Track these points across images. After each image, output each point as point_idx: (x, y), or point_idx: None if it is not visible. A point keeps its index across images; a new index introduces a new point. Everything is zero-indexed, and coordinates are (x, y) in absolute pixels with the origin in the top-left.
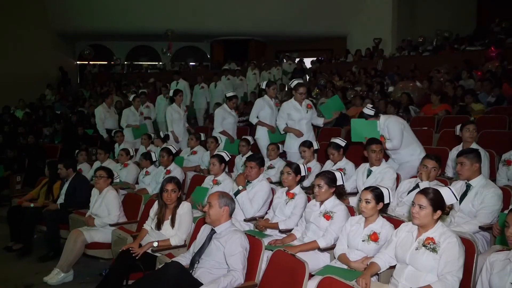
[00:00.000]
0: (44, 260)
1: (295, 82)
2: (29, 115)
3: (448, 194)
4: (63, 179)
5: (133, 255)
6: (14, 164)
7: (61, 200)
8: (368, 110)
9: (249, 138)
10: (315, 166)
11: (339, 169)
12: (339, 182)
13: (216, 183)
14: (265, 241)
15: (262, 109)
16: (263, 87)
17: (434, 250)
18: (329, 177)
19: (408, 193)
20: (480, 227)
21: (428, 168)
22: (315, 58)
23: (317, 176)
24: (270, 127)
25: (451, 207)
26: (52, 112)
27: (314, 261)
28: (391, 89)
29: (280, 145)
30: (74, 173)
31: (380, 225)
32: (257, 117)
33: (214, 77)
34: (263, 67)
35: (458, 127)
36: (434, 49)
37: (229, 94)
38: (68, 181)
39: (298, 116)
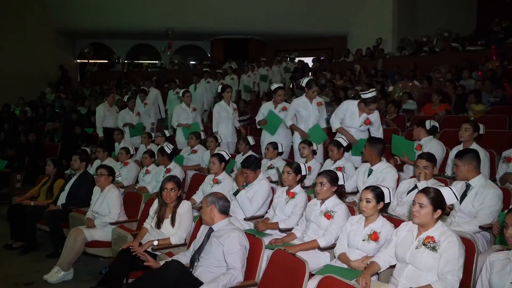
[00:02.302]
0: (52, 257)
1: (368, 95)
2: (25, 113)
3: (448, 194)
4: (68, 176)
5: (133, 253)
6: (14, 162)
7: (62, 200)
8: (428, 125)
9: (250, 138)
10: (315, 165)
11: (338, 168)
12: (340, 182)
13: (216, 182)
14: (265, 240)
15: (297, 111)
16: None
17: (434, 249)
18: (332, 176)
19: (407, 193)
20: (480, 227)
21: (420, 167)
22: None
23: (319, 174)
24: (302, 133)
25: (452, 207)
26: (52, 110)
27: (314, 260)
28: (391, 88)
29: (279, 145)
30: (84, 169)
31: (380, 224)
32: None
33: (195, 78)
34: (244, 70)
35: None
36: (434, 49)
37: (274, 87)
38: (76, 176)
39: (350, 123)
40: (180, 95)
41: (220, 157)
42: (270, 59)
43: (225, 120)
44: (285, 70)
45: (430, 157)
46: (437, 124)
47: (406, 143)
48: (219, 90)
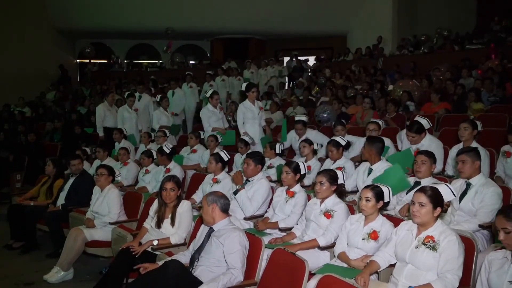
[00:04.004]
0: (52, 257)
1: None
2: (23, 114)
3: (445, 191)
4: (67, 176)
5: (133, 253)
6: (13, 162)
7: (61, 200)
8: (425, 122)
9: (246, 138)
10: (315, 164)
11: (339, 168)
12: (340, 181)
13: (216, 181)
14: (265, 240)
15: None
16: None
17: (433, 248)
18: (331, 175)
19: (407, 192)
20: (480, 226)
21: (418, 162)
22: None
23: (319, 173)
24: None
25: (449, 204)
26: (55, 109)
27: (314, 259)
28: (390, 87)
29: (278, 145)
30: (82, 170)
31: (380, 223)
32: None
33: (172, 83)
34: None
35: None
36: (433, 48)
37: (298, 118)
38: (75, 176)
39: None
40: (208, 95)
41: (217, 157)
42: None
43: (251, 120)
44: (279, 73)
45: (428, 153)
46: (426, 120)
47: (404, 154)
48: (242, 88)
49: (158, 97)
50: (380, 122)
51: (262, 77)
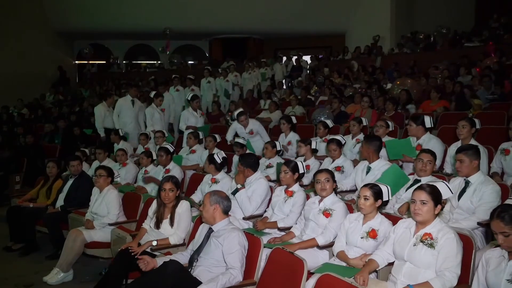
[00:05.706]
0: (52, 258)
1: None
2: (22, 116)
3: (444, 188)
4: (66, 177)
5: (132, 254)
6: (11, 164)
7: (60, 201)
8: (428, 120)
9: (240, 140)
10: (313, 163)
11: (338, 167)
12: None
13: (215, 181)
14: (264, 239)
15: None
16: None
17: (431, 245)
18: (331, 173)
19: (406, 190)
20: (479, 223)
21: (424, 161)
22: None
23: (321, 171)
24: None
25: (446, 201)
26: (58, 111)
27: (313, 258)
28: (389, 86)
29: (277, 143)
30: (81, 171)
31: (379, 222)
32: None
33: (160, 87)
34: (221, 73)
35: None
36: (432, 45)
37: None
38: (73, 178)
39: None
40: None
41: (211, 158)
42: (269, 58)
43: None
44: (262, 76)
45: (432, 153)
46: (430, 120)
47: (403, 142)
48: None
49: (190, 96)
50: (389, 123)
51: (246, 81)
